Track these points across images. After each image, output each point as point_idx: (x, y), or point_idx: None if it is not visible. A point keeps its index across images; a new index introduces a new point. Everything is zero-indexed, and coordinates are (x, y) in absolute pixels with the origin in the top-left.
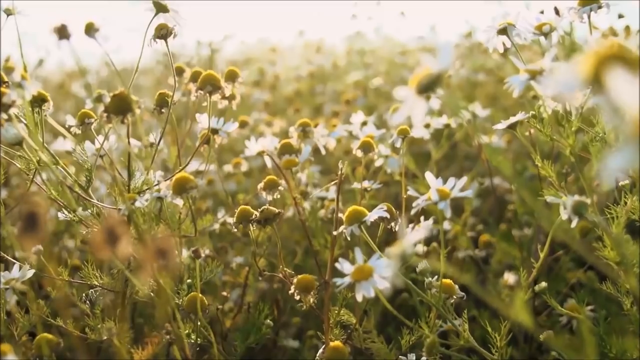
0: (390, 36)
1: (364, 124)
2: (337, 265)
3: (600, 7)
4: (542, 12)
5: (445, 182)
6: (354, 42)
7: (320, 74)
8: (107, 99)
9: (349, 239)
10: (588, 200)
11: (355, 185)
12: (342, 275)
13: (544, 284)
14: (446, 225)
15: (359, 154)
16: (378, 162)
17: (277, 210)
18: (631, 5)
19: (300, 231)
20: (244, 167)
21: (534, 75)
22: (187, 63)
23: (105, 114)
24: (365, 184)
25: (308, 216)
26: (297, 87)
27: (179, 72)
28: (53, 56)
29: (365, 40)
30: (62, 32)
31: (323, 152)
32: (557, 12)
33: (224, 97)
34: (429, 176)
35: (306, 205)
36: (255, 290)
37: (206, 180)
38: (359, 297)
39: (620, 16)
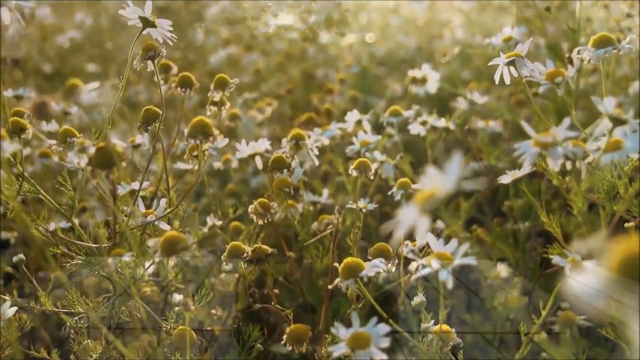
0: None
1: (359, 123)
2: (332, 330)
3: (615, 49)
4: (547, 10)
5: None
6: None
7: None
8: (92, 150)
9: (344, 291)
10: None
11: (350, 205)
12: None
13: (544, 335)
14: (440, 224)
15: (355, 174)
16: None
17: (269, 250)
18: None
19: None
20: (234, 163)
21: (546, 147)
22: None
23: (90, 168)
24: (361, 203)
25: (300, 230)
26: (288, 50)
27: (166, 69)
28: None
29: None
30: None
31: (316, 162)
32: (570, 61)
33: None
34: (430, 239)
35: (299, 207)
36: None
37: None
38: None
39: (629, 15)
